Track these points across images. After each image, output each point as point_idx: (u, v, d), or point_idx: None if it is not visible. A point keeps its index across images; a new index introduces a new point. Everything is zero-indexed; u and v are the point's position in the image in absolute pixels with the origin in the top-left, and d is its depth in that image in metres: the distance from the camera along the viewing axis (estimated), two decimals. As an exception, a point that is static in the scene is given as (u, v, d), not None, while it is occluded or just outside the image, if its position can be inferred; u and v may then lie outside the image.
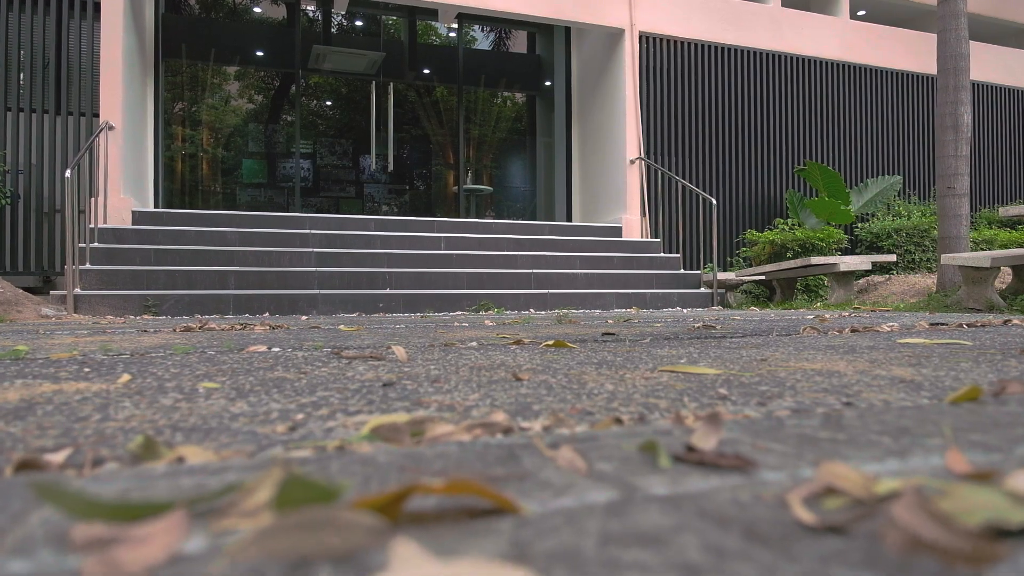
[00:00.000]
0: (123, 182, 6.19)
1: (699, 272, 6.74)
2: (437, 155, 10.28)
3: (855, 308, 4.85)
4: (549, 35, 9.41)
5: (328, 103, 12.04)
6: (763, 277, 6.14)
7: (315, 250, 5.92)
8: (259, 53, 9.52)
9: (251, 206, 10.52)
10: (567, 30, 8.91)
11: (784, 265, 5.82)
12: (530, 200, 9.64)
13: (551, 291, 5.91)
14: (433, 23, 10.03)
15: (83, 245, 5.36)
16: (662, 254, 7.11)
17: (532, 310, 5.77)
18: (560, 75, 9.05)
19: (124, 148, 6.21)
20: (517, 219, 9.97)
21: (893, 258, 5.89)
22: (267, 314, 5.08)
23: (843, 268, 5.51)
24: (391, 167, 9.80)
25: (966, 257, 4.39)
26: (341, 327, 2.73)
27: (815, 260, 5.48)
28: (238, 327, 2.74)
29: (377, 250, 6.17)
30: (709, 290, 6.40)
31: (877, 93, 9.03)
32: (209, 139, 9.65)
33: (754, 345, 1.87)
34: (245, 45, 9.20)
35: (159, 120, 7.48)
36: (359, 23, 10.49)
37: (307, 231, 6.27)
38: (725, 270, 7.69)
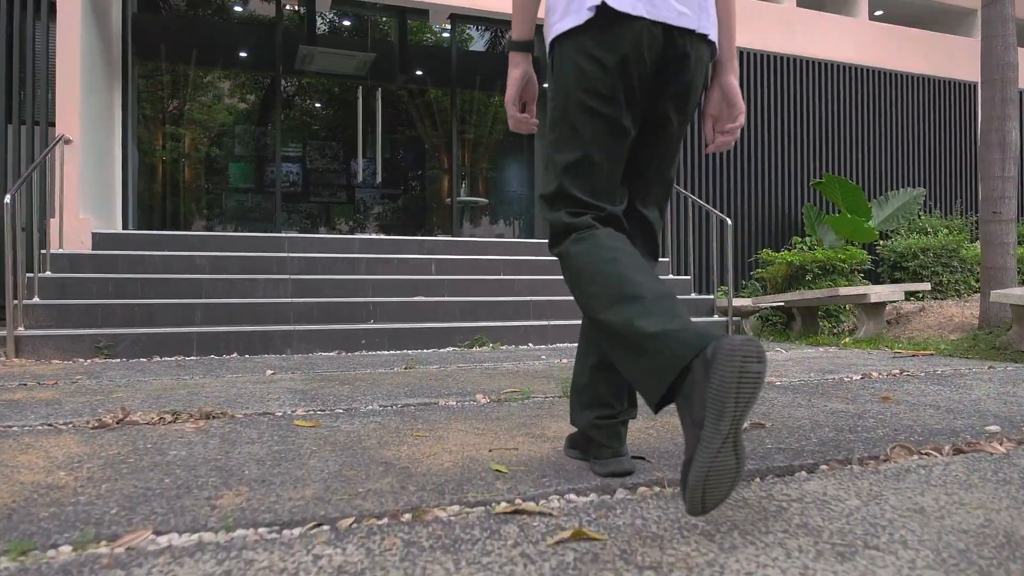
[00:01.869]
0: (82, 201, 5.63)
1: (712, 297, 6.22)
2: (431, 157, 9.74)
3: (895, 350, 4.33)
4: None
5: (317, 104, 11.51)
6: (783, 304, 5.63)
7: (293, 277, 5.38)
8: (241, 54, 8.96)
9: (236, 213, 10.01)
10: (567, 31, 8.36)
11: (809, 295, 5.30)
12: (527, 209, 9.09)
13: (552, 322, 5.38)
14: (425, 23, 9.48)
15: (32, 275, 4.81)
16: (671, 276, 6.59)
17: (531, 344, 5.24)
18: (560, 79, 8.50)
19: (83, 163, 5.65)
20: (514, 231, 9.45)
21: (927, 287, 5.38)
22: (235, 355, 4.54)
23: (874, 299, 5.00)
24: (381, 172, 9.25)
25: (1022, 295, 3.88)
26: (296, 422, 2.20)
27: (843, 291, 4.96)
28: (167, 418, 2.21)
29: (361, 276, 5.63)
30: (723, 318, 5.88)
31: (896, 99, 8.51)
32: (187, 146, 9.10)
33: (842, 514, 1.35)
34: (225, 46, 8.63)
35: (128, 129, 6.91)
36: (347, 23, 9.93)
37: (285, 254, 5.73)
38: (738, 292, 7.17)
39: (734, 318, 5.86)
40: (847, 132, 8.22)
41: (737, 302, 5.91)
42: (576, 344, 4.79)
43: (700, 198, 7.40)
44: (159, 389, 2.96)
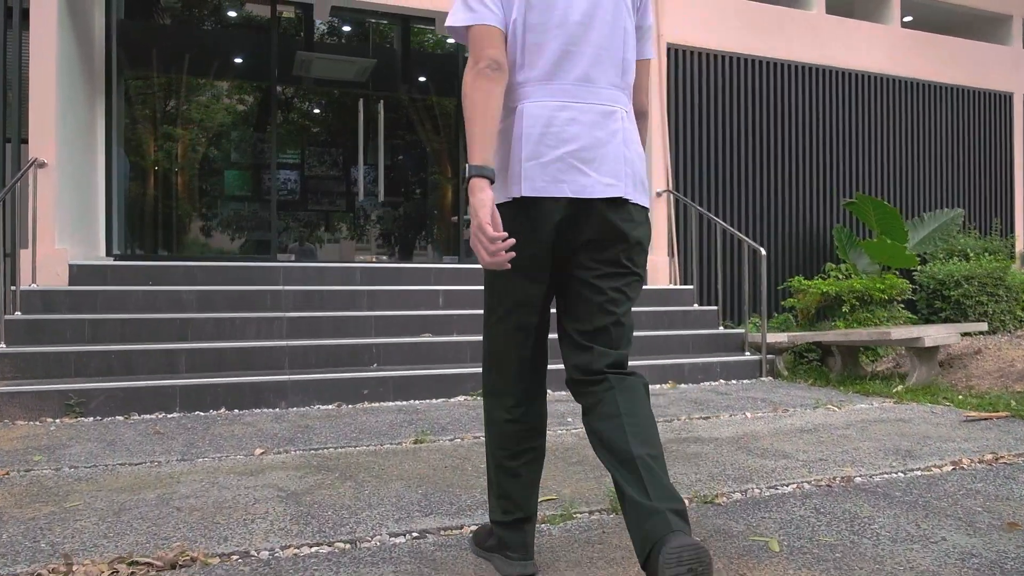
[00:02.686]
0: (59, 229, 5.16)
1: (741, 331, 5.75)
2: (433, 164, 9.25)
3: (964, 410, 3.87)
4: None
5: (316, 111, 11.09)
6: (821, 340, 5.16)
7: (288, 314, 4.91)
8: (236, 60, 8.49)
9: (231, 221, 9.58)
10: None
11: (853, 335, 4.84)
12: None
13: (572, 365, 4.91)
14: (429, 30, 9.00)
15: (-2, 317, 4.34)
16: (696, 307, 6.12)
17: (551, 390, 4.77)
18: (572, 89, 8.02)
19: (61, 187, 5.17)
20: None
21: (984, 327, 4.93)
22: (223, 409, 4.07)
23: (928, 343, 4.53)
24: (382, 180, 8.76)
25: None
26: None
27: (895, 333, 4.50)
28: (121, 572, 1.74)
29: (363, 312, 5.16)
30: (755, 356, 5.41)
31: (929, 111, 8.03)
32: (179, 156, 8.62)
33: None
34: (219, 52, 8.16)
35: (113, 146, 6.43)
36: (347, 28, 9.45)
37: (280, 287, 5.26)
38: (764, 315, 6.69)
39: (768, 355, 5.39)
40: (878, 147, 7.75)
41: (772, 338, 5.45)
42: None
43: (723, 219, 6.93)
44: (126, 488, 2.49)
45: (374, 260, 8.75)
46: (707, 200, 6.93)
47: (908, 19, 8.76)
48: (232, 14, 8.62)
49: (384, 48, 9.23)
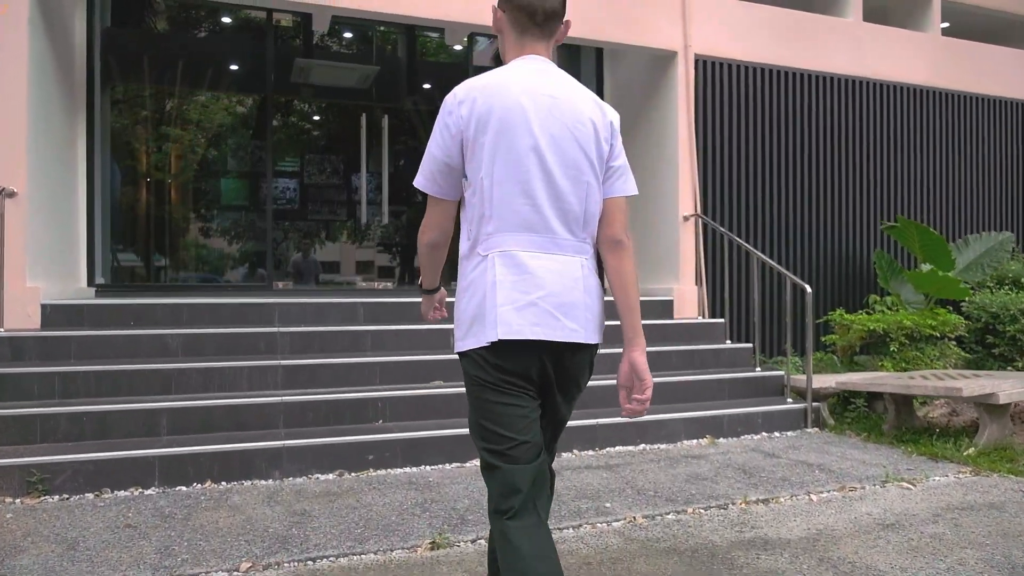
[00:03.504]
0: (31, 264, 4.65)
1: (780, 373, 5.26)
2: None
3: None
4: (571, 47, 7.88)
5: (316, 118, 10.62)
6: (879, 390, 4.66)
7: (284, 362, 4.41)
8: (232, 68, 7.99)
9: (227, 230, 9.12)
10: (597, 48, 7.37)
11: (915, 386, 4.33)
12: None
13: (598, 420, 4.40)
14: (438, 39, 8.50)
15: (-43, 372, 3.85)
16: (729, 344, 5.62)
17: (575, 451, 4.27)
18: (589, 101, 7.51)
19: (33, 217, 4.66)
20: None
21: (1061, 378, 4.43)
22: (208, 483, 3.58)
23: (1003, 399, 4.03)
24: (386, 192, 8.24)
25: None
26: None
27: (967, 389, 3.99)
28: None
29: (367, 357, 4.65)
30: (798, 404, 4.92)
31: (974, 126, 7.52)
32: (170, 172, 8.13)
33: None
34: (213, 60, 7.66)
35: (96, 165, 5.93)
36: (348, 35, 8.95)
37: (275, 328, 4.76)
38: (799, 356, 6.18)
39: (814, 403, 4.89)
40: (918, 164, 7.23)
41: (819, 381, 4.95)
42: (639, 448, 3.48)
43: (754, 244, 6.42)
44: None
45: (377, 285, 8.26)
46: (736, 223, 6.42)
47: (944, 25, 8.23)
48: (227, 20, 8.12)
49: (388, 55, 8.72)
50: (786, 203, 6.63)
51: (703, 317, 6.08)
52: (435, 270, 1.74)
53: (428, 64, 8.90)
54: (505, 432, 1.53)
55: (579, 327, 1.56)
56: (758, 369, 5.35)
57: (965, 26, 8.49)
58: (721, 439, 4.58)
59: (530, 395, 1.57)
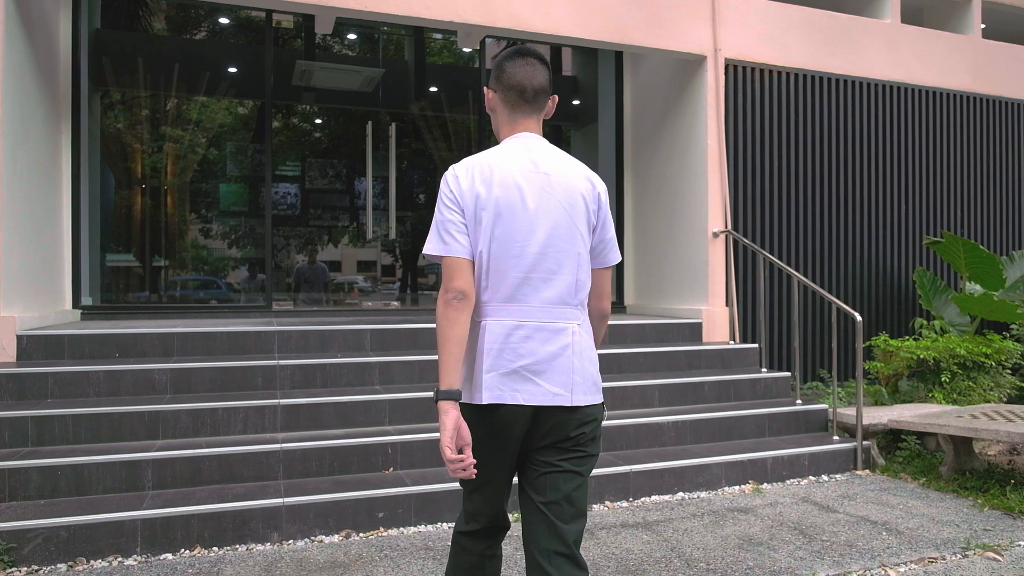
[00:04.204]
0: (7, 291, 4.22)
1: (823, 407, 4.83)
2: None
3: None
4: (589, 51, 7.45)
5: (318, 120, 10.24)
6: (948, 432, 4.24)
7: (283, 401, 4.00)
8: (231, 70, 7.57)
9: (224, 234, 8.70)
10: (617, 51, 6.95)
11: (983, 429, 3.91)
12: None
13: (631, 468, 3.98)
14: (436, 36, 8.09)
15: (-83, 419, 3.43)
16: (765, 372, 5.19)
17: (608, 502, 3.85)
18: (608, 105, 7.10)
19: (8, 239, 4.24)
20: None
21: None
22: (198, 550, 3.16)
23: (1085, 448, 3.61)
24: (393, 199, 7.81)
25: None
26: None
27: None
28: None
29: (376, 393, 4.23)
30: (845, 443, 4.49)
31: (1018, 133, 7.08)
32: (166, 179, 7.73)
33: None
34: (210, 63, 7.25)
35: (81, 177, 5.52)
36: (352, 36, 8.53)
37: (275, 361, 4.34)
38: (843, 388, 5.77)
39: (864, 442, 4.46)
40: (960, 175, 6.80)
41: (867, 415, 4.52)
42: (677, 497, 3.03)
43: (786, 262, 6.00)
44: None
45: (384, 305, 7.85)
46: (768, 238, 6.00)
47: (982, 26, 7.80)
48: (224, 21, 7.72)
49: (394, 58, 8.30)
50: (821, 217, 6.20)
51: (734, 342, 5.66)
52: (455, 355, 1.60)
53: (437, 67, 8.48)
54: (477, 497, 1.74)
55: (563, 391, 1.64)
56: (799, 402, 4.92)
57: (1003, 29, 8.06)
58: (766, 484, 4.16)
59: (509, 456, 1.69)
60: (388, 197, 7.38)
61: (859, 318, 4.52)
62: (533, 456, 1.69)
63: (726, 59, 5.82)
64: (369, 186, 6.76)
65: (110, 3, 6.50)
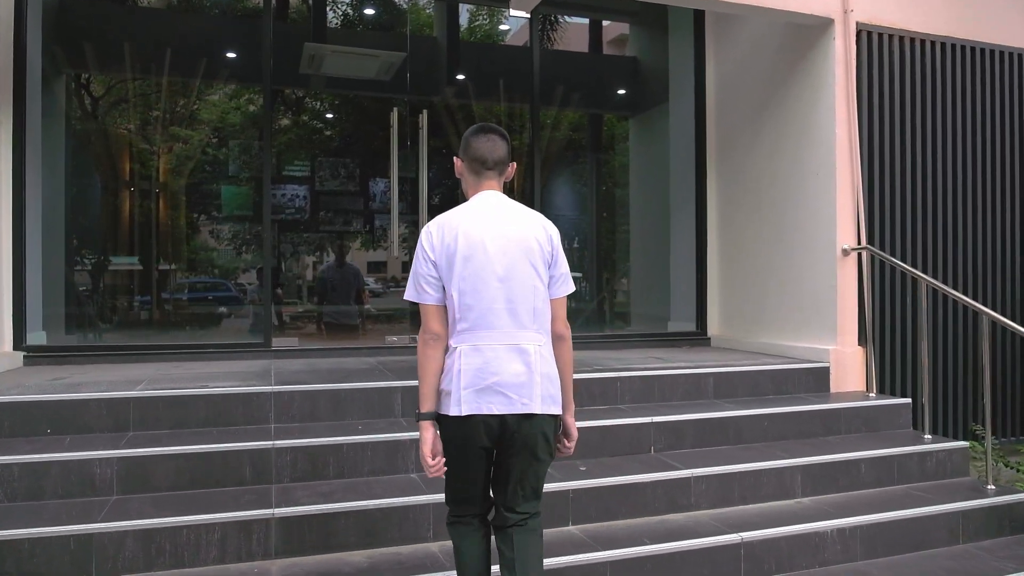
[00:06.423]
0: None
1: (971, 480, 3.48)
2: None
3: None
4: (657, 24, 6.13)
5: (329, 116, 9.13)
6: None
7: (278, 511, 2.71)
8: (228, 55, 6.36)
9: (228, 237, 7.81)
10: (695, 19, 5.61)
11: None
12: (658, 288, 6.17)
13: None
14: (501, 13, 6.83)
15: None
16: (930, 442, 3.81)
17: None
18: (683, 90, 5.76)
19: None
20: (598, 327, 6.72)
21: None
22: None
23: None
24: (424, 198, 6.51)
25: None
26: None
27: None
28: None
29: (415, 492, 2.94)
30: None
31: None
32: (156, 182, 6.58)
33: None
34: (203, 45, 6.04)
35: (26, 186, 4.29)
36: (369, 11, 7.29)
37: (270, 443, 3.06)
38: (973, 433, 4.40)
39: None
40: None
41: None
42: None
43: (943, 282, 4.61)
44: None
45: (411, 340, 6.57)
46: (913, 254, 4.64)
47: None
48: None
49: (421, 37, 7.02)
50: (990, 228, 4.82)
51: (873, 393, 4.31)
52: (432, 386, 2.04)
53: (470, 47, 7.20)
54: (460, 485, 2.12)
55: (529, 401, 1.99)
56: (991, 487, 3.55)
57: None
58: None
59: (484, 453, 2.05)
60: (418, 196, 6.02)
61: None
62: (502, 460, 2.07)
63: (858, 23, 4.47)
64: (395, 189, 5.46)
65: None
